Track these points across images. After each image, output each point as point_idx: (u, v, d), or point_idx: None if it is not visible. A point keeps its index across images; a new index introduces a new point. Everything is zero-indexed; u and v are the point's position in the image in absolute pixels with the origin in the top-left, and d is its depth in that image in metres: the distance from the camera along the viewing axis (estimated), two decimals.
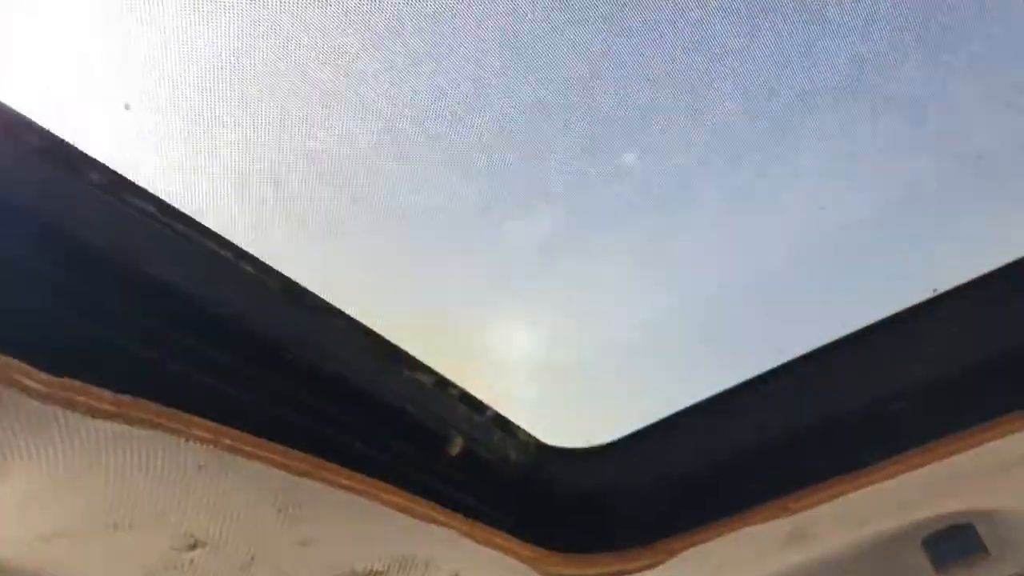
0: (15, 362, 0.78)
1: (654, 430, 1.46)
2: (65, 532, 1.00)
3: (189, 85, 0.90)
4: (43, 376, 0.80)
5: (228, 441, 0.95)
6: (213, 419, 0.94)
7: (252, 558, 1.14)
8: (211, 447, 0.94)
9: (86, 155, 0.91)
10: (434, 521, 1.19)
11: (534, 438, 1.47)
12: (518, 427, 1.44)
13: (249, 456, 0.97)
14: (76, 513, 0.96)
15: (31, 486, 0.88)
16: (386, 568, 1.25)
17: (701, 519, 1.36)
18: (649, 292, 1.38)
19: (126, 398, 0.86)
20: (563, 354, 1.47)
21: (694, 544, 1.34)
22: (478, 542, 1.25)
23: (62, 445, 0.85)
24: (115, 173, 0.95)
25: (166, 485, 0.97)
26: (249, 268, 1.07)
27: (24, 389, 0.79)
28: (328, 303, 1.15)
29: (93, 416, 0.84)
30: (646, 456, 1.46)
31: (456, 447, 1.33)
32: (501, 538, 1.28)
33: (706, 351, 1.41)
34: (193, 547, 1.09)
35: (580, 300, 1.41)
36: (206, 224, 1.04)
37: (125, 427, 0.87)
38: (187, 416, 0.91)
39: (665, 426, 1.44)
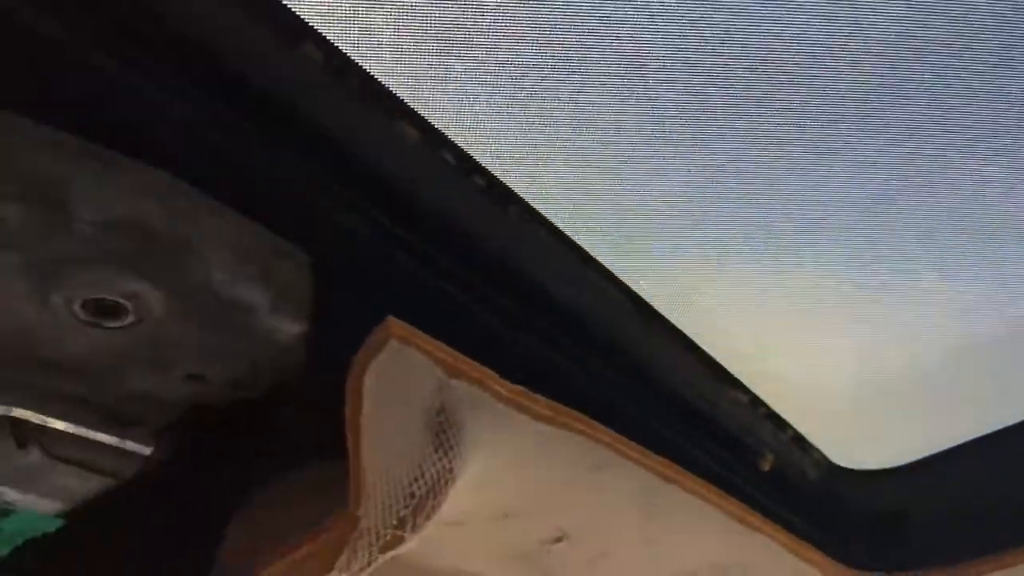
0: (490, 371, 0.94)
1: (949, 456, 1.50)
2: (465, 519, 1.14)
3: None
4: (507, 383, 0.95)
5: (622, 447, 1.07)
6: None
7: (602, 553, 1.27)
8: (609, 451, 1.07)
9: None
10: (761, 531, 1.29)
11: (826, 458, 1.55)
12: (813, 446, 1.52)
13: (635, 461, 1.09)
14: (484, 501, 1.11)
15: (471, 476, 1.03)
16: (706, 571, 1.35)
17: (1002, 544, 1.40)
18: (958, 317, 1.42)
19: (559, 405, 1.00)
20: (860, 376, 1.54)
21: (999, 568, 1.38)
22: (796, 555, 1.34)
23: (507, 441, 0.99)
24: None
25: (563, 482, 1.11)
26: (616, 292, 1.21)
27: (494, 394, 0.94)
28: (676, 327, 1.27)
29: (533, 418, 0.98)
30: (941, 480, 1.51)
31: (767, 463, 1.42)
32: (814, 553, 1.36)
33: (1012, 380, 1.44)
34: (558, 540, 1.22)
35: (880, 323, 1.47)
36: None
37: (552, 429, 1.01)
38: (596, 423, 1.04)
39: (959, 452, 1.49)
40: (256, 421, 1.01)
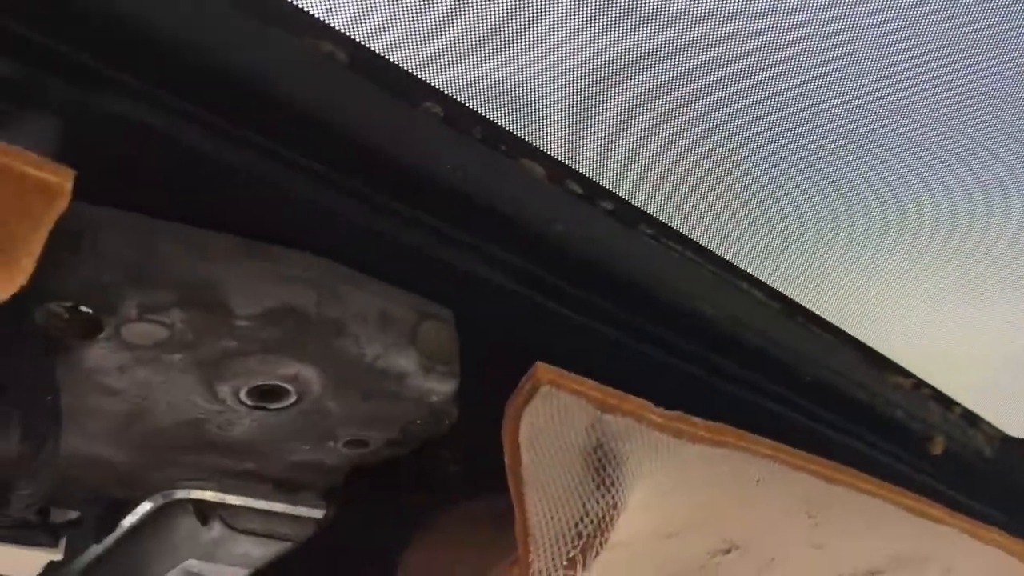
0: (642, 401, 0.92)
1: None
2: (631, 540, 1.13)
3: None
4: (661, 411, 0.93)
5: (785, 456, 1.03)
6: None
7: (772, 559, 1.23)
8: (771, 462, 1.03)
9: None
10: (940, 520, 1.22)
11: (999, 430, 1.46)
12: (986, 421, 1.44)
13: (799, 468, 1.05)
14: (649, 524, 1.09)
15: (635, 504, 1.01)
16: (885, 567, 1.30)
17: None
18: None
19: (716, 424, 0.97)
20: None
21: None
22: (978, 539, 1.26)
23: (667, 467, 0.97)
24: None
25: (726, 497, 1.08)
26: (758, 293, 1.16)
27: (648, 423, 0.92)
28: (824, 319, 1.22)
29: (690, 441, 0.96)
30: None
31: (938, 446, 1.35)
32: (996, 534, 1.29)
33: None
34: (727, 552, 1.19)
35: None
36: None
37: (710, 449, 0.98)
38: (756, 437, 1.00)
39: None
40: (409, 467, 1.03)
